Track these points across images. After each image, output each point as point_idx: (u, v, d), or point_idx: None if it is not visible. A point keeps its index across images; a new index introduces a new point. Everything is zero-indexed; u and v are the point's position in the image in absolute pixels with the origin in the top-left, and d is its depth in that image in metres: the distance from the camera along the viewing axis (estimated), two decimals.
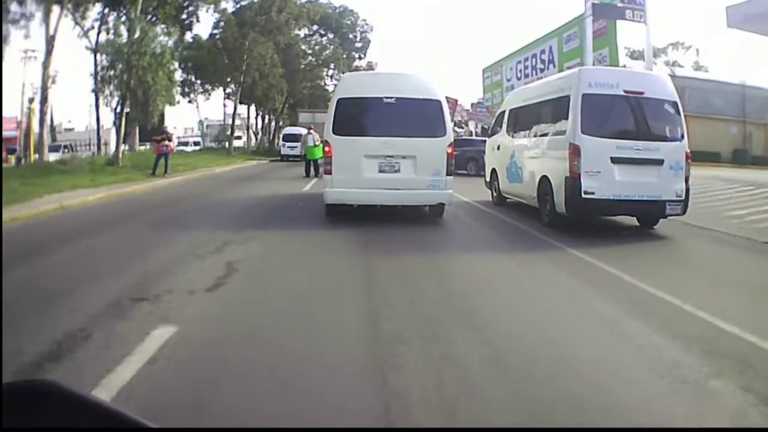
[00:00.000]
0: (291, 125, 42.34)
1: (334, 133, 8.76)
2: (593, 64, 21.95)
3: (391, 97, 8.70)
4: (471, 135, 33.55)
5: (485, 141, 23.34)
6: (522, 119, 10.94)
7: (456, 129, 39.27)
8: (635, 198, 8.40)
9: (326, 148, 8.84)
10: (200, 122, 56.37)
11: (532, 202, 9.95)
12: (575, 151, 8.34)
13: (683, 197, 8.62)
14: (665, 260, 7.28)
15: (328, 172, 8.78)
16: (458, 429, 2.75)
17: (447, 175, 8.73)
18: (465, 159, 20.77)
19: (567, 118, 8.71)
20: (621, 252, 7.44)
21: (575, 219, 8.72)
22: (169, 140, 18.52)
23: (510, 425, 2.72)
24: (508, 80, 34.58)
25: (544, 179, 9.21)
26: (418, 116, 8.78)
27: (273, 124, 56.05)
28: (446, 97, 33.50)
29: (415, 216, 9.62)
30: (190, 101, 46.35)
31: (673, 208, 8.61)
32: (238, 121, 53.43)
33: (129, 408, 1.01)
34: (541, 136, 9.78)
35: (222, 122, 54.25)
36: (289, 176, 20.23)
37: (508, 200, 11.71)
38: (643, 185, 8.45)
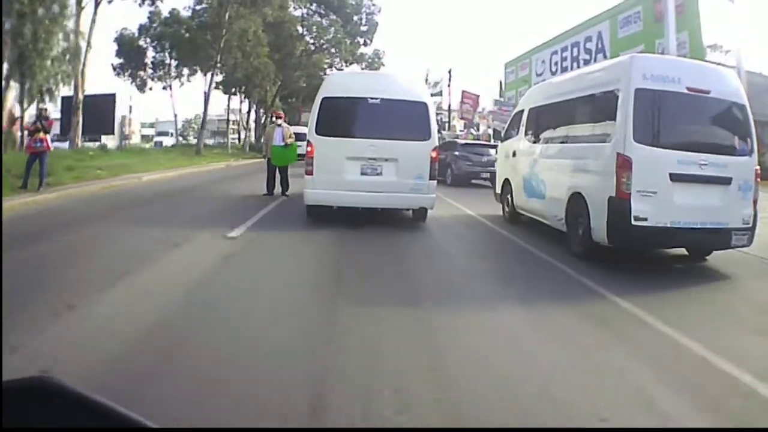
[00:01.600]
0: (295, 124, 41.11)
1: (317, 133, 8.59)
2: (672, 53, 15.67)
3: (376, 98, 8.59)
4: (476, 138, 31.01)
5: (468, 144, 22.10)
6: (547, 120, 8.92)
7: (472, 131, 36.89)
8: (697, 226, 6.45)
9: (308, 149, 8.64)
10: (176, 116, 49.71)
11: (556, 225, 7.95)
12: (625, 165, 6.34)
13: (750, 224, 6.77)
14: (748, 317, 5.27)
15: (310, 173, 8.59)
16: (458, 429, 2.71)
17: (430, 179, 8.55)
18: (444, 165, 17.65)
19: (612, 121, 6.74)
20: (685, 302, 5.53)
21: (617, 250, 6.74)
22: (46, 132, 12.04)
23: None
24: (539, 75, 28.68)
25: (577, 198, 7.21)
26: (402, 118, 8.66)
27: (264, 118, 50.38)
28: (465, 92, 31.01)
29: (406, 237, 8.28)
30: (164, 87, 40.67)
31: (740, 238, 6.73)
32: (235, 117, 49.99)
33: None
34: (573, 142, 7.77)
35: (221, 117, 51.50)
36: (244, 193, 13.07)
37: (523, 217, 9.70)
38: (706, 210, 6.52)
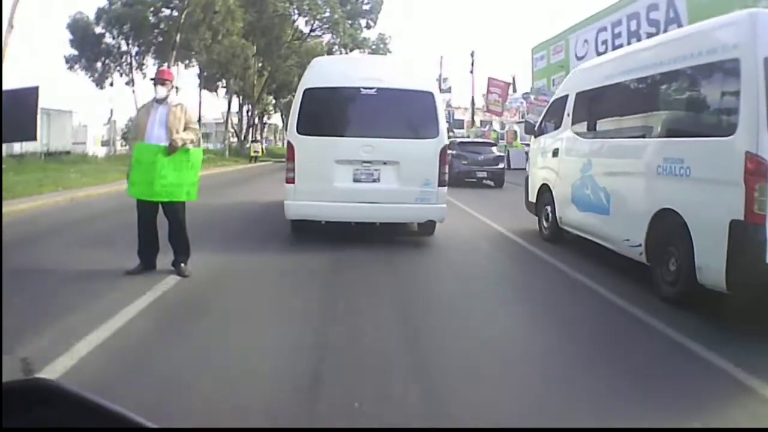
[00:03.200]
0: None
1: (299, 132, 7.11)
2: None
3: (371, 88, 7.13)
4: (498, 138, 28.42)
5: (464, 143, 20.20)
6: (609, 107, 6.66)
7: (495, 130, 33.88)
8: None
9: (289, 151, 7.21)
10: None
11: (627, 252, 5.74)
12: (760, 170, 4.12)
13: None
14: None
15: (291, 180, 7.08)
16: (458, 429, 2.66)
17: (439, 185, 7.10)
18: None
19: (729, 105, 4.53)
20: None
21: (736, 299, 4.52)
22: None
23: None
24: (580, 58, 23.27)
25: (668, 216, 5.00)
26: (404, 112, 7.33)
27: (248, 116, 43.95)
28: (492, 79, 26.79)
29: (422, 266, 6.36)
30: (127, 83, 34.35)
31: None
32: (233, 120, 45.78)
33: None
34: (660, 135, 5.52)
35: (218, 120, 47.38)
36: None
37: (568, 235, 7.48)
38: None
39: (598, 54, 20.83)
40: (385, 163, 7.07)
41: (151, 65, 33.92)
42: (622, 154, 6.06)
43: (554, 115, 8.12)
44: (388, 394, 3.05)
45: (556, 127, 7.92)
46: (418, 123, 7.28)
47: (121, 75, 34.87)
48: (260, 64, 37.91)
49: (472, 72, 39.52)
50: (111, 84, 34.77)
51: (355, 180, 7.09)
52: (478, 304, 5.02)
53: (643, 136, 5.72)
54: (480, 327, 4.31)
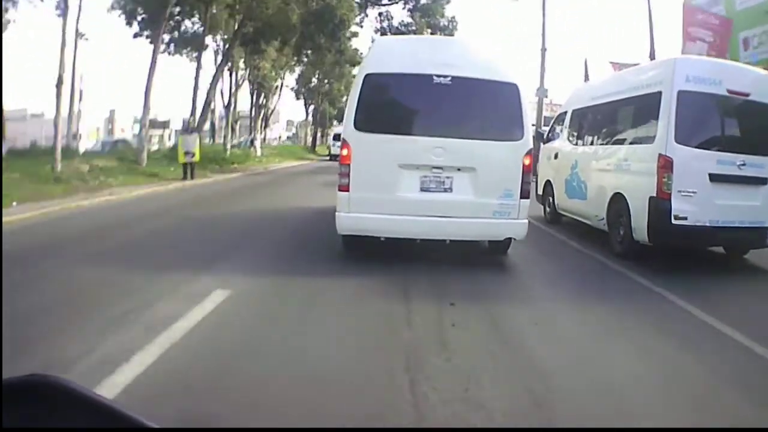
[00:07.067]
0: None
1: (356, 127, 5.97)
2: None
3: (445, 76, 5.95)
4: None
5: None
6: (589, 122, 9.15)
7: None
8: (735, 225, 6.67)
9: (344, 151, 6.04)
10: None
11: (597, 224, 8.15)
12: (666, 165, 6.53)
13: None
14: None
15: (345, 188, 5.95)
16: (458, 429, 2.69)
17: (522, 197, 6.03)
18: None
19: (653, 122, 6.94)
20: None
21: (656, 249, 6.93)
22: None
23: None
24: None
25: (618, 198, 7.41)
26: (483, 107, 6.25)
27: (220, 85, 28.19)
28: (616, 64, 19.82)
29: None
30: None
31: None
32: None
33: None
34: (615, 143, 7.99)
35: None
36: None
37: (564, 218, 9.89)
38: (743, 209, 6.74)
39: None
40: (459, 170, 5.97)
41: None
42: (595, 156, 8.50)
43: (558, 127, 10.56)
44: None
45: (557, 136, 10.36)
46: (499, 121, 6.18)
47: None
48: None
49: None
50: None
51: (423, 189, 5.98)
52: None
53: (607, 143, 8.19)
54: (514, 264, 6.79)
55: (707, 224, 6.53)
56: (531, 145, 6.15)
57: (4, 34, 14.52)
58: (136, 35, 22.98)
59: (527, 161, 6.03)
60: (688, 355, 3.93)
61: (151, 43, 20.52)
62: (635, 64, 11.40)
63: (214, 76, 24.52)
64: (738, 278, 6.86)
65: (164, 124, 50.85)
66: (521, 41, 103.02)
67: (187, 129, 17.68)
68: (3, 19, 15.11)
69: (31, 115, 38.50)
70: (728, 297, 5.71)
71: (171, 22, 23.42)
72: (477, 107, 6.23)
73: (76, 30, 17.61)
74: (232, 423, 2.56)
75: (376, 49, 6.67)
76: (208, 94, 24.03)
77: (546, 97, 21.43)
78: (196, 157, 16.94)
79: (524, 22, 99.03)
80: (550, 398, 3.07)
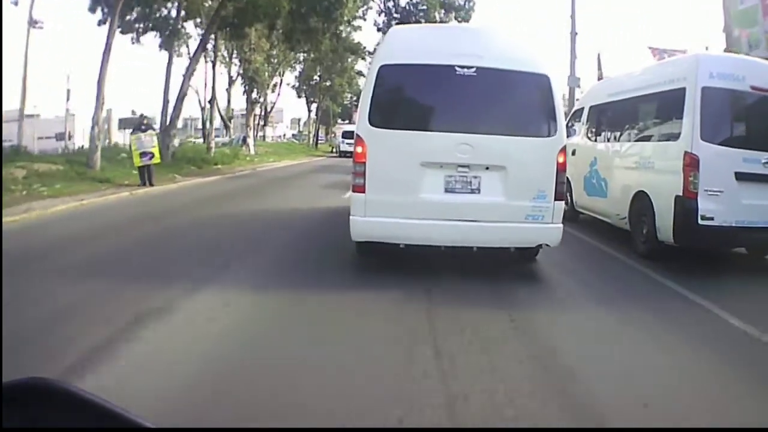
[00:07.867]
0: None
1: (371, 123, 5.43)
2: None
3: (469, 67, 5.40)
4: None
5: None
6: (609, 118, 8.93)
7: None
8: (759, 225, 6.46)
9: (358, 149, 5.46)
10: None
11: (618, 223, 7.97)
12: (693, 163, 6.34)
13: None
14: None
15: (360, 189, 5.40)
16: (458, 429, 2.68)
17: (556, 199, 5.49)
18: None
19: (677, 119, 6.74)
20: None
21: (680, 249, 6.75)
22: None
23: None
24: None
25: (641, 196, 7.23)
26: (511, 100, 5.74)
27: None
28: (654, 49, 19.72)
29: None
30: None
31: None
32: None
33: None
34: (636, 140, 7.78)
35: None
36: None
37: (582, 216, 9.71)
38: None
39: None
40: (487, 168, 5.46)
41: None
42: (616, 153, 8.30)
43: (575, 123, 10.35)
44: None
45: (576, 133, 10.16)
46: (529, 115, 5.73)
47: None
48: None
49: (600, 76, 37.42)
50: None
51: (448, 190, 5.46)
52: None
53: (629, 140, 7.98)
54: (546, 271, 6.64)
55: (733, 225, 6.33)
56: (565, 142, 5.66)
57: None
58: (100, 22, 19.37)
59: (561, 159, 5.50)
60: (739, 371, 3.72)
61: (109, 26, 16.71)
62: (680, 51, 10.95)
63: (188, 67, 21.77)
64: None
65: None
66: (547, 25, 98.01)
67: (140, 126, 14.84)
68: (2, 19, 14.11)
69: None
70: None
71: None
72: (505, 101, 5.74)
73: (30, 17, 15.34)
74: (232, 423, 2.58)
75: (390, 38, 6.07)
76: (182, 86, 21.17)
77: (578, 86, 19.63)
78: (156, 158, 14.49)
79: (551, 3, 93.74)
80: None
